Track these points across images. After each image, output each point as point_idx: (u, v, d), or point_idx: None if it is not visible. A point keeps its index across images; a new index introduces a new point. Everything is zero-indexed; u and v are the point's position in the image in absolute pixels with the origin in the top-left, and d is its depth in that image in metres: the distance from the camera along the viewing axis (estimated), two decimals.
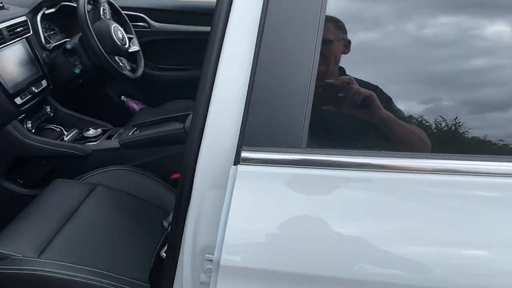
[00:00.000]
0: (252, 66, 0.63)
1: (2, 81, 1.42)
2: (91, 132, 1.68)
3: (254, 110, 0.63)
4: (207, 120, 0.68)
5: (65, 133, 1.70)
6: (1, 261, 1.14)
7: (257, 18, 0.63)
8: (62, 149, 1.57)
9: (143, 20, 2.23)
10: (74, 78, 1.82)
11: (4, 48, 1.47)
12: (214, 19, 0.65)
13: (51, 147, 1.57)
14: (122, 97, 2.32)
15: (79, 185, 1.46)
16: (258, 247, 0.63)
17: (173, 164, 1.58)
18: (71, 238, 1.24)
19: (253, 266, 0.62)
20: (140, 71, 1.94)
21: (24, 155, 1.59)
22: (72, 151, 1.58)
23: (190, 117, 1.59)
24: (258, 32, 0.63)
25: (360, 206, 0.65)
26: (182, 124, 1.60)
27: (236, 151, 0.65)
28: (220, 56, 0.65)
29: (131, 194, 1.49)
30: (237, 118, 0.65)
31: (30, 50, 1.62)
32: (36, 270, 1.10)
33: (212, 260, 0.67)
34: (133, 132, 1.67)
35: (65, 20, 1.98)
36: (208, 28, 2.14)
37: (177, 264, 0.78)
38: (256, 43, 0.63)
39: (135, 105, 2.36)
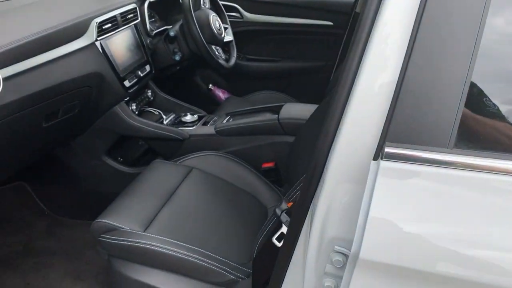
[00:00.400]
0: (404, 59, 0.61)
1: (115, 65, 1.51)
2: (188, 117, 1.74)
3: (401, 105, 0.61)
4: (345, 113, 0.67)
5: (164, 116, 1.78)
6: (111, 232, 1.23)
7: (412, 11, 0.61)
8: (163, 132, 1.65)
9: (237, 10, 2.28)
10: (173, 65, 1.91)
11: (117, 33, 1.56)
12: (365, 9, 0.63)
13: (153, 129, 1.65)
14: (210, 85, 2.39)
15: (177, 167, 1.53)
16: (396, 245, 0.61)
17: (265, 153, 1.60)
18: (172, 217, 1.30)
19: (390, 262, 0.61)
20: (233, 61, 1.99)
21: (127, 135, 1.69)
22: (171, 134, 1.65)
23: (284, 108, 1.60)
24: (413, 25, 0.61)
25: (502, 212, 0.62)
26: (275, 115, 1.62)
27: (378, 146, 0.64)
28: (367, 48, 0.64)
29: (224, 180, 1.53)
30: (380, 112, 0.64)
31: (137, 36, 1.71)
32: (142, 243, 1.17)
33: (341, 253, 0.67)
34: (227, 120, 1.72)
35: (165, 8, 2.07)
36: (300, 20, 2.14)
37: (294, 253, 0.79)
38: (411, 36, 0.61)
39: (221, 94, 2.43)
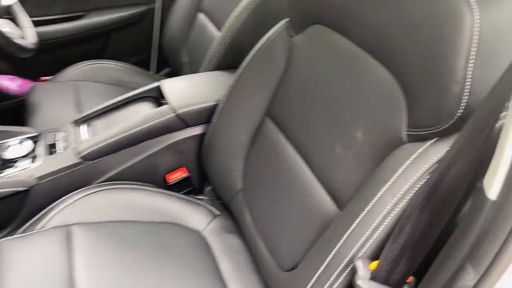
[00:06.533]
0: None
1: None
2: (15, 149, 1.05)
3: None
4: None
5: None
6: None
7: None
8: None
9: None
10: None
11: None
12: None
13: None
14: None
15: (40, 239, 0.92)
16: None
17: (165, 161, 1.13)
18: None
19: None
20: (32, 34, 1.28)
21: None
22: (7, 188, 0.98)
23: (169, 94, 1.13)
24: None
25: None
26: (158, 104, 1.14)
27: None
28: None
29: (127, 221, 1.03)
30: None
31: None
32: None
33: None
34: (85, 132, 1.12)
35: None
36: None
37: None
38: None
39: (8, 82, 1.64)
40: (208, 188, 1.19)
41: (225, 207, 1.14)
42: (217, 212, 1.12)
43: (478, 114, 0.49)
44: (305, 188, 0.83)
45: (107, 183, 1.07)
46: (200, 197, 1.17)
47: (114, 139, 1.04)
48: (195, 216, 1.10)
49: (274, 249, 0.89)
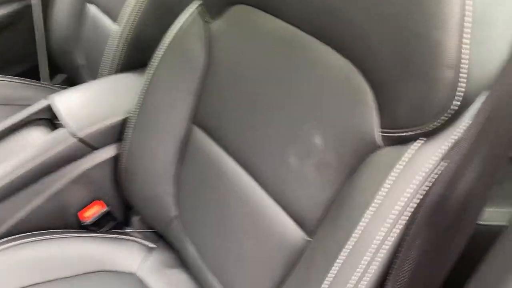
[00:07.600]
0: None
1: None
2: None
3: None
4: None
5: None
6: None
7: None
8: None
9: None
10: None
11: None
12: None
13: None
14: None
15: None
16: None
17: (73, 198, 0.90)
18: None
19: None
20: None
21: None
22: None
23: (64, 113, 0.89)
24: None
25: None
26: (53, 127, 0.91)
27: None
28: None
29: (37, 284, 0.81)
30: None
31: None
32: None
33: None
34: None
35: None
36: None
37: None
38: None
39: None
40: (136, 218, 0.98)
41: (161, 236, 0.95)
42: (152, 245, 0.93)
43: (492, 102, 0.36)
44: (258, 209, 0.67)
45: (1, 241, 0.83)
46: (128, 230, 0.97)
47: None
48: (126, 255, 0.90)
49: (230, 286, 0.73)
